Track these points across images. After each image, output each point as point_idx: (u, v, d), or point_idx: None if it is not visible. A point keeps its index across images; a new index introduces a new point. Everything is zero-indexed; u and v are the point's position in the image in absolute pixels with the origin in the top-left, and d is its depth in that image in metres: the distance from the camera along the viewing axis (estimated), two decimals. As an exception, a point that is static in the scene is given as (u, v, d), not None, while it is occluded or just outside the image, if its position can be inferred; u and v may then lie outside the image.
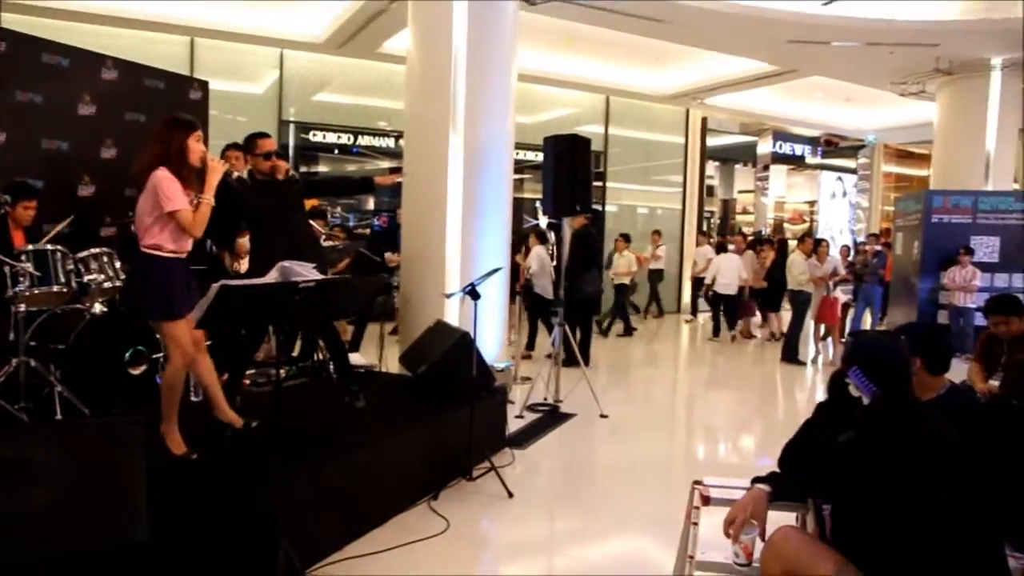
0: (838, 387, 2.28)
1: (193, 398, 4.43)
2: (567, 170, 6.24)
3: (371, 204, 13.13)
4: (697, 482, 2.54)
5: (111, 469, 2.43)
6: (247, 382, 4.76)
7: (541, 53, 10.99)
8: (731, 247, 12.18)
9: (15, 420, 3.86)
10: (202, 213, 3.42)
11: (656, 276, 13.16)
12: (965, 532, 2.04)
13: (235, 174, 4.25)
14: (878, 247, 11.99)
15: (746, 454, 5.83)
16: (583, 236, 8.02)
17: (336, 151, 12.26)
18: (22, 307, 4.03)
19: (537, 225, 11.44)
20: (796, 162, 18.24)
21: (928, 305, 10.32)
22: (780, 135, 17.30)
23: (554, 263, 8.24)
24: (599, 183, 13.77)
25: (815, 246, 9.64)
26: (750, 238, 13.38)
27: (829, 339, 10.07)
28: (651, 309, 13.58)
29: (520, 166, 12.18)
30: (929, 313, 10.26)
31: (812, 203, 19.44)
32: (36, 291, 4.07)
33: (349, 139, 12.13)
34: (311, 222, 5.28)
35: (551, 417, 6.11)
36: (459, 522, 3.88)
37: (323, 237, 6.16)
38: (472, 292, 4.43)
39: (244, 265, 5.35)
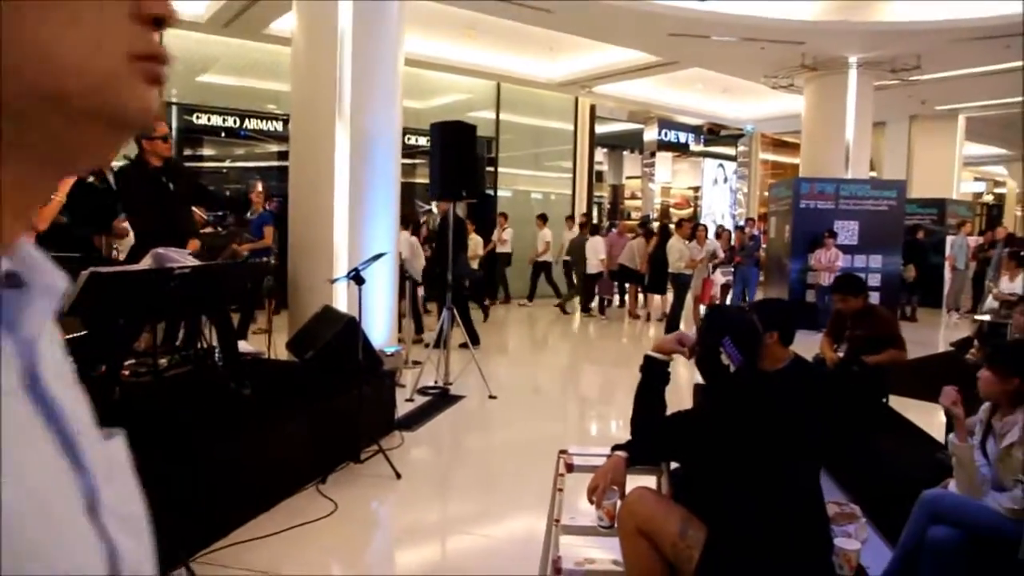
0: (710, 354, 2.48)
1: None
2: (453, 156, 6.33)
3: (260, 189, 12.79)
4: (563, 451, 2.73)
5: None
6: (127, 373, 4.63)
7: (433, 39, 11.02)
8: (612, 232, 12.89)
9: None
10: (50, 209, 3.43)
11: (503, 260, 12.99)
12: (794, 487, 2.31)
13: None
14: (755, 231, 12.74)
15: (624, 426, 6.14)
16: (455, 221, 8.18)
17: (223, 134, 11.88)
18: None
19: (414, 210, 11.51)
20: (681, 150, 19.01)
21: (798, 284, 11.09)
22: (665, 123, 17.99)
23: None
24: (491, 168, 13.95)
25: (693, 231, 10.17)
26: (634, 224, 13.98)
27: (706, 317, 10.71)
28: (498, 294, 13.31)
29: (412, 151, 12.19)
30: (799, 292, 11.04)
31: (696, 189, 20.32)
32: None
33: (236, 122, 11.78)
34: (193, 209, 5.19)
35: (441, 400, 6.22)
36: (347, 504, 3.93)
37: (204, 226, 6.04)
38: (356, 277, 4.48)
39: (124, 248, 5.19)
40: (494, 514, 4.08)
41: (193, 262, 2.87)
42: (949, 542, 2.68)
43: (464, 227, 8.37)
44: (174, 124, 11.15)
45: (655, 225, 13.14)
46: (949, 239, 13.93)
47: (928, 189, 15.77)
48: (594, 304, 12.36)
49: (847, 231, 11.04)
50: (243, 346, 5.90)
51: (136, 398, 4.27)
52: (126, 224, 5.04)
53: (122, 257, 5.16)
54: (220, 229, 6.30)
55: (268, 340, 6.44)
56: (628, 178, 20.46)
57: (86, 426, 0.40)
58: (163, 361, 5.01)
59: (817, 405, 2.64)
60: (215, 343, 4.97)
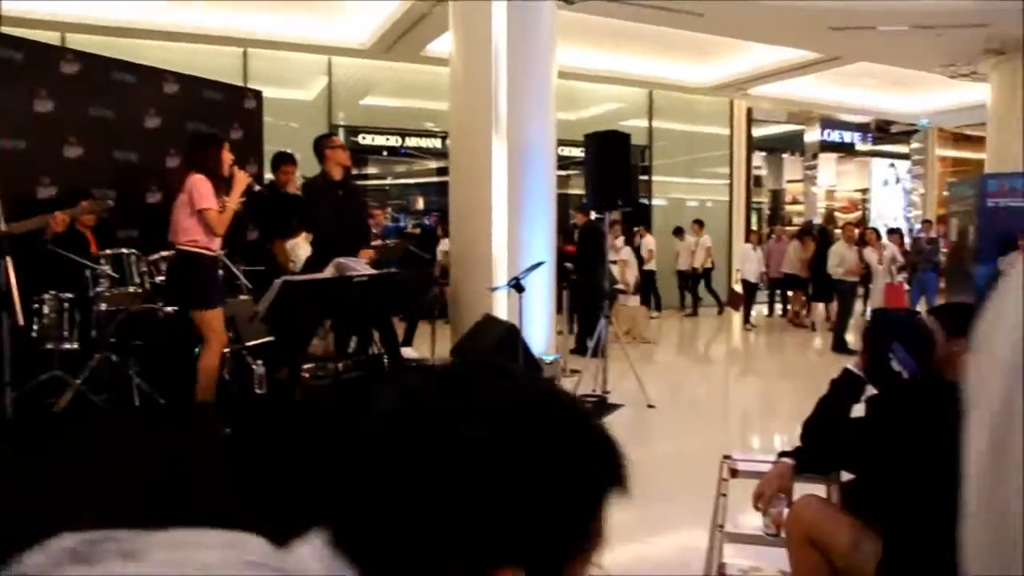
0: (879, 360, 2.36)
1: (257, 391, 4.72)
2: (608, 165, 6.38)
3: (420, 204, 13.46)
4: (726, 456, 2.69)
5: (192, 447, 2.71)
6: (306, 376, 5.04)
7: (583, 50, 11.13)
8: (771, 239, 12.32)
9: (99, 410, 4.20)
10: (226, 215, 3.86)
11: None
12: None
13: (257, 187, 4.60)
14: (933, 234, 11.80)
15: (789, 437, 5.87)
16: (590, 232, 8.20)
17: (384, 153, 12.60)
18: (103, 306, 4.38)
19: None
20: (846, 150, 17.99)
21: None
22: (828, 123, 17.07)
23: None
24: (645, 177, 13.84)
25: (861, 235, 9.58)
26: (791, 228, 13.34)
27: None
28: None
29: (565, 163, 12.34)
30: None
31: (864, 191, 19.11)
32: (114, 291, 4.42)
33: (397, 141, 12.45)
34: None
35: (599, 408, 6.24)
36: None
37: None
38: (517, 285, 4.62)
39: (299, 261, 5.65)
40: (655, 521, 4.04)
41: (370, 271, 3.10)
42: None
43: (605, 237, 8.44)
44: (342, 146, 11.95)
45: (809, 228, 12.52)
46: None
47: None
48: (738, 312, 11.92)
49: (1045, 231, 9.97)
50: (408, 353, 6.24)
51: (316, 400, 4.64)
52: (299, 240, 5.50)
53: (297, 270, 5.61)
54: (388, 241, 6.71)
55: (431, 347, 6.75)
56: (789, 182, 19.59)
57: None
58: (339, 366, 5.40)
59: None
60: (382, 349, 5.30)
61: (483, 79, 6.41)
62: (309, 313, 3.47)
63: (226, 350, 4.87)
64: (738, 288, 12.45)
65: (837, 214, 18.72)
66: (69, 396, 4.18)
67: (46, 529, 0.53)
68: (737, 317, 12.18)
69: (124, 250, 4.58)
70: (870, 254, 9.39)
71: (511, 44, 6.37)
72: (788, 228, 14.20)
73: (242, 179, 3.90)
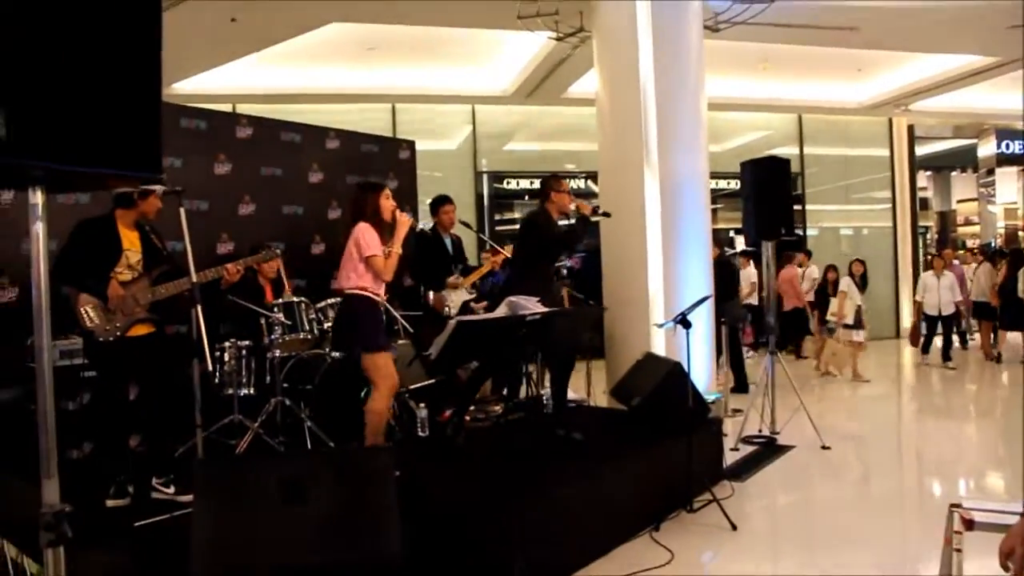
0: None
1: (420, 433, 4.74)
2: (767, 193, 6.07)
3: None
4: (955, 505, 2.34)
5: (368, 491, 2.68)
6: (467, 419, 5.03)
7: (726, 78, 10.81)
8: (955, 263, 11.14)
9: (275, 452, 4.34)
10: (392, 260, 3.91)
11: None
12: None
13: (419, 226, 4.72)
14: None
15: (991, 490, 5.21)
16: (721, 266, 7.83)
17: (527, 197, 12.72)
18: (276, 352, 4.58)
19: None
20: (1028, 163, 16.32)
21: None
22: (1005, 133, 15.54)
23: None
24: (798, 206, 13.15)
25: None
26: (974, 250, 12.11)
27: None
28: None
29: (712, 196, 11.96)
30: None
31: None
32: (287, 338, 4.61)
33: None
34: None
35: (768, 449, 5.85)
36: (683, 554, 3.81)
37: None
38: (683, 321, 4.41)
39: (455, 304, 5.70)
40: (838, 573, 3.66)
41: (542, 309, 3.01)
42: None
43: (737, 272, 8.22)
44: (485, 191, 12.19)
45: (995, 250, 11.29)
46: None
47: None
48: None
49: None
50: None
51: (478, 442, 4.60)
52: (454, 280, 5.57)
53: (454, 313, 5.65)
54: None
55: (587, 387, 6.60)
56: (959, 202, 18.02)
57: None
58: (497, 408, 5.36)
59: None
60: (542, 390, 5.22)
61: (632, 114, 6.30)
62: (479, 353, 3.43)
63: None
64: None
65: (1021, 233, 16.95)
66: (249, 438, 4.36)
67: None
68: (909, 351, 11.18)
69: (294, 298, 4.78)
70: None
71: (658, 77, 6.23)
72: (960, 253, 12.97)
73: (404, 222, 3.98)
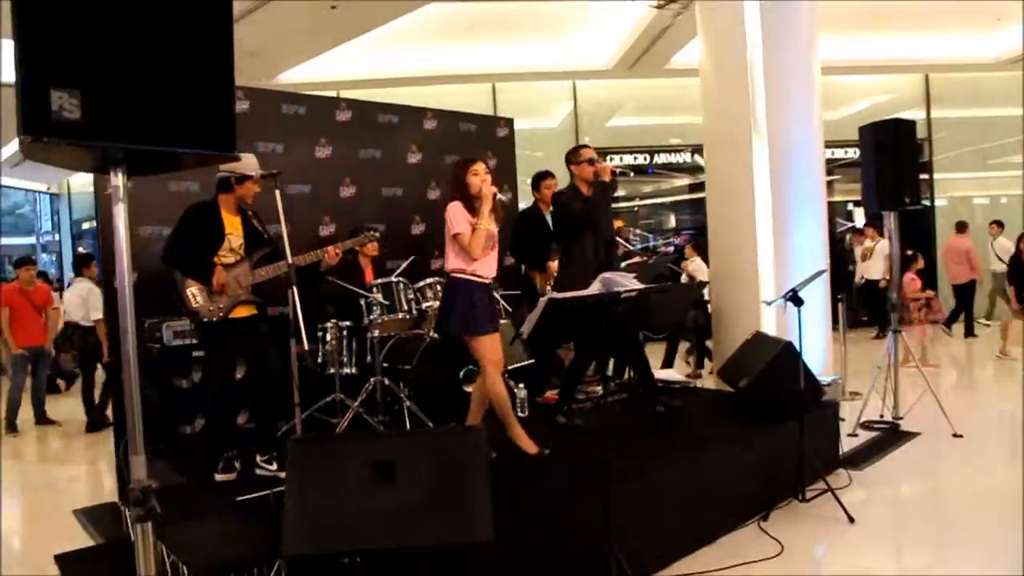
0: None
1: (520, 414, 4.68)
2: (890, 160, 5.61)
3: (672, 222, 13.08)
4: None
5: (459, 473, 2.63)
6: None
7: (841, 38, 10.11)
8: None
9: (371, 431, 4.40)
10: (478, 236, 3.70)
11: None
12: None
13: (501, 196, 4.54)
14: None
15: None
16: None
17: (631, 173, 12.43)
18: (376, 333, 4.62)
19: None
20: None
21: None
22: None
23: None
24: (924, 175, 12.24)
25: None
26: None
27: None
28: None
29: (827, 167, 11.32)
30: None
31: None
32: (386, 318, 4.64)
33: (645, 159, 12.22)
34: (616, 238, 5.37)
35: (891, 436, 5.46)
36: (794, 546, 3.59)
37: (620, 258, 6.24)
38: (794, 298, 4.14)
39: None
40: (964, 572, 3.34)
41: (638, 285, 2.87)
42: None
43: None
44: (589, 170, 11.98)
45: None
46: None
47: None
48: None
49: None
50: (671, 374, 5.92)
51: (580, 424, 4.50)
52: (555, 264, 5.42)
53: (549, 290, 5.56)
54: (647, 256, 6.47)
55: (693, 367, 6.37)
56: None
57: None
58: (598, 389, 5.24)
59: None
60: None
61: (738, 82, 5.96)
62: (572, 332, 3.32)
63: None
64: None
65: None
66: (349, 417, 4.43)
67: None
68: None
69: (393, 279, 4.81)
70: None
71: (766, 40, 5.87)
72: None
73: (488, 195, 3.76)
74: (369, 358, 4.72)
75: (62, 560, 3.46)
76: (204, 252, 3.71)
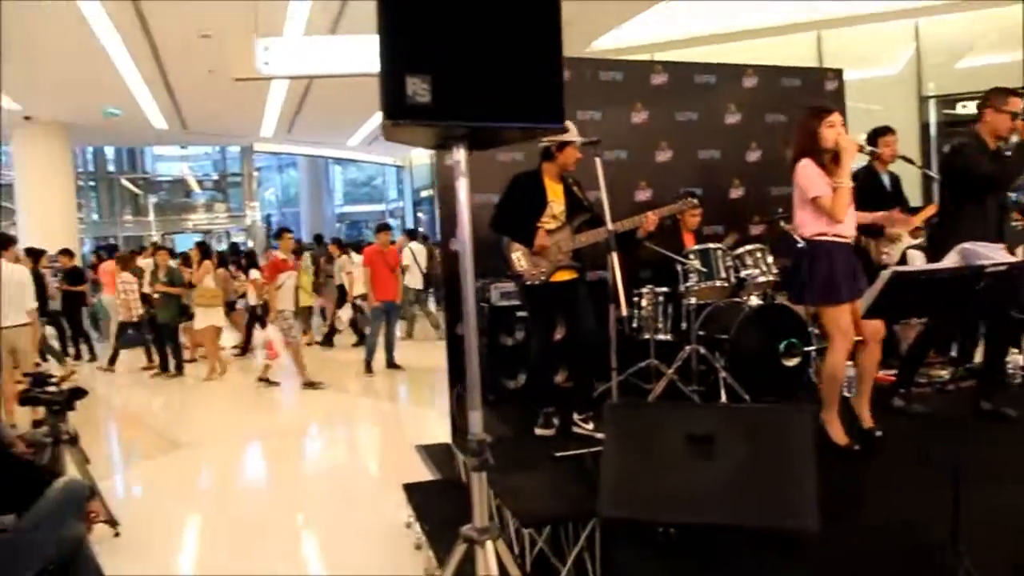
0: None
1: (846, 393, 4.29)
2: None
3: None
4: None
5: (784, 455, 2.48)
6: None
7: None
8: None
9: (688, 400, 4.34)
10: (840, 197, 3.37)
11: None
12: None
13: (867, 148, 3.98)
14: None
15: None
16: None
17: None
18: (692, 300, 4.55)
19: None
20: None
21: None
22: None
23: None
24: None
25: None
26: None
27: None
28: None
29: None
30: None
31: None
32: (702, 285, 4.54)
33: (1011, 104, 10.34)
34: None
35: None
36: None
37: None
38: None
39: (893, 255, 5.00)
40: None
41: (1008, 258, 2.42)
42: None
43: None
44: (932, 119, 10.49)
45: None
46: None
47: None
48: None
49: None
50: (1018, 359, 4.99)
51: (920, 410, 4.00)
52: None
53: (894, 260, 4.96)
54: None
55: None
56: None
57: None
58: (943, 373, 4.62)
59: None
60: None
61: None
62: (921, 308, 2.91)
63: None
64: None
65: None
66: (663, 385, 4.42)
67: None
68: None
69: (711, 245, 4.66)
70: None
71: None
72: None
73: (849, 149, 3.40)
74: (684, 325, 4.66)
75: (409, 489, 3.96)
76: (528, 218, 3.92)
